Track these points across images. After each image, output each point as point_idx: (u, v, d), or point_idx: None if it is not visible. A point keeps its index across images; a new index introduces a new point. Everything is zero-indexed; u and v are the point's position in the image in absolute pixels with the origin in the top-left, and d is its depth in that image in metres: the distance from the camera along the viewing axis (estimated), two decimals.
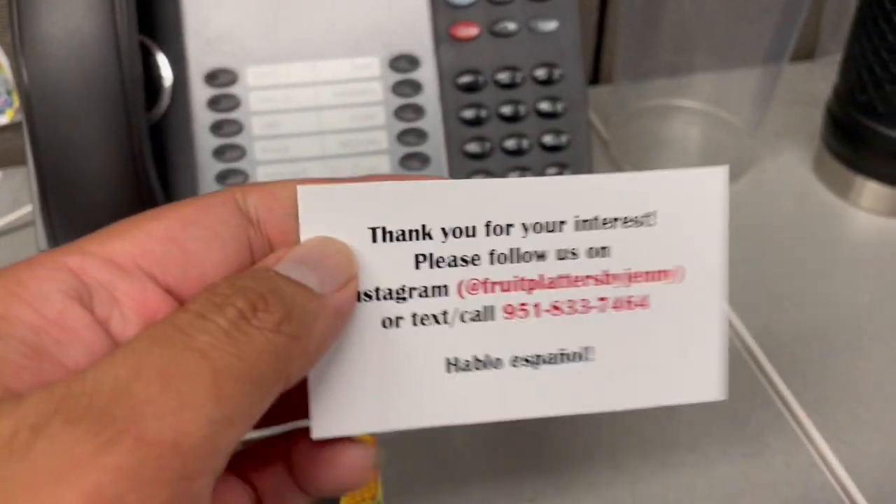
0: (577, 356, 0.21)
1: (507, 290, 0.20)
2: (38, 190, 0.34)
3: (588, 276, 0.20)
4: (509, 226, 0.20)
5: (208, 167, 0.37)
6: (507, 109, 0.39)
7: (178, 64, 0.37)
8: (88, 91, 0.32)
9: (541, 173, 0.39)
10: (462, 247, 0.20)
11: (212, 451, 0.15)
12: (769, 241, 0.44)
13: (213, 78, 0.37)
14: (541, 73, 0.39)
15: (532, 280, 0.20)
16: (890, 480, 0.32)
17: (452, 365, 0.20)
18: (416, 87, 0.38)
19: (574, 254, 0.20)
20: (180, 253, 0.18)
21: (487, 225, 0.20)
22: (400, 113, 0.38)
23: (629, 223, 0.20)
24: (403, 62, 0.38)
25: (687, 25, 0.46)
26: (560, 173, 0.39)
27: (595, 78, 0.59)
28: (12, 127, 0.53)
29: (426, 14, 0.38)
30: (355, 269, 0.19)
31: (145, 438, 0.14)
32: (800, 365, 0.37)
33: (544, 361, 0.21)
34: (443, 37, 0.39)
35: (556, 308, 0.20)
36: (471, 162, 0.39)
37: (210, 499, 0.15)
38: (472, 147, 0.39)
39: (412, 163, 0.38)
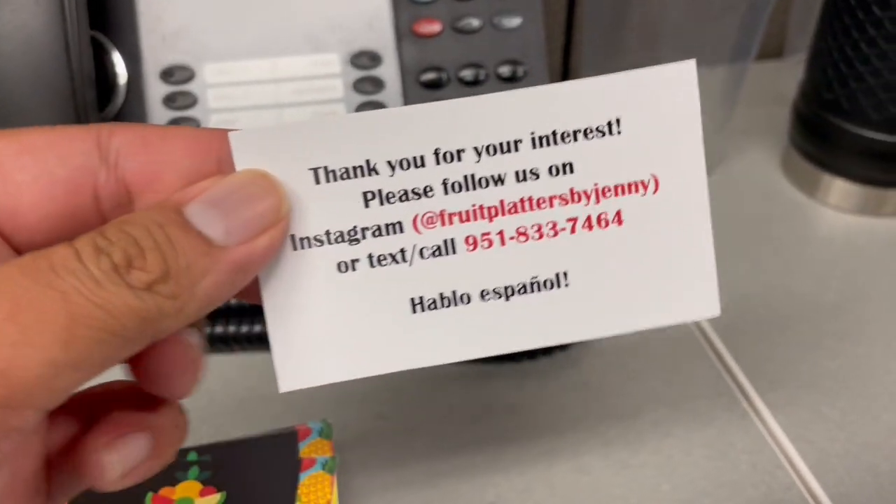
0: (551, 283, 0.19)
1: (467, 221, 0.19)
2: None
3: (553, 196, 0.19)
4: (460, 151, 0.19)
5: None
6: None
7: (134, 61, 0.36)
8: (37, 88, 0.31)
9: None
10: (412, 179, 0.19)
11: (45, 390, 0.14)
12: (737, 238, 0.44)
13: (169, 75, 0.36)
14: (505, 70, 0.39)
15: (492, 207, 0.19)
16: (854, 479, 0.32)
17: (417, 304, 0.19)
18: (377, 84, 0.38)
19: (535, 174, 0.19)
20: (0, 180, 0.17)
21: (436, 152, 0.19)
22: (362, 110, 0.38)
23: (591, 134, 0.19)
24: (364, 59, 0.38)
25: (653, 23, 0.46)
26: None
27: (564, 75, 0.59)
28: None
29: (387, 10, 0.38)
30: (283, 215, 0.18)
31: None
32: (765, 364, 0.36)
33: (516, 292, 0.19)
34: (405, 33, 0.38)
35: (521, 234, 0.19)
36: None
37: (34, 430, 0.15)
38: None
39: None
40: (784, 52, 0.58)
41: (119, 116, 0.36)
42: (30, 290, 0.14)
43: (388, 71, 0.38)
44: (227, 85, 0.37)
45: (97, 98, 0.34)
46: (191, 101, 0.37)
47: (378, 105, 0.38)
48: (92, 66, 0.33)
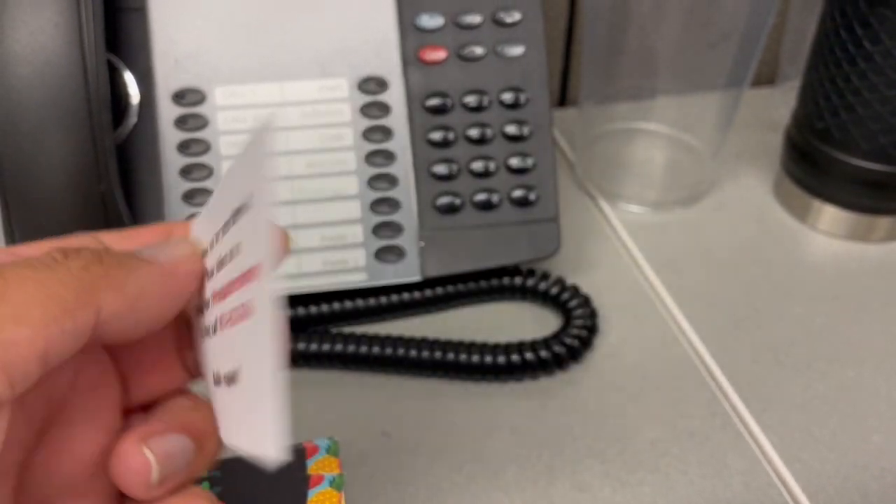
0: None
1: None
2: (1, 210, 0.33)
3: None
4: None
5: (175, 186, 0.37)
6: (474, 132, 0.39)
7: (146, 83, 0.37)
8: (54, 110, 0.32)
9: (507, 195, 0.40)
10: None
11: None
12: (729, 262, 0.45)
13: (180, 97, 0.37)
14: (507, 96, 0.40)
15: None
16: (844, 500, 0.33)
17: None
18: (384, 108, 0.39)
19: None
20: None
21: None
22: (368, 134, 0.39)
23: None
24: (372, 84, 0.39)
25: (650, 50, 0.47)
26: (525, 195, 0.40)
27: (562, 100, 0.60)
28: None
29: (395, 37, 0.39)
30: (198, 254, 0.21)
31: None
32: (758, 385, 0.37)
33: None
34: (411, 60, 0.39)
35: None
36: (438, 183, 0.39)
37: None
38: (440, 169, 0.39)
39: (379, 184, 0.38)
40: (776, 79, 0.59)
41: (131, 136, 0.37)
42: None
43: (395, 96, 0.39)
44: (236, 108, 0.38)
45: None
46: (201, 122, 0.37)
47: (385, 129, 0.39)
48: (108, 88, 0.34)
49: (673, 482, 0.33)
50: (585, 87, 0.50)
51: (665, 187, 0.50)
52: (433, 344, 0.37)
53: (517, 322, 0.41)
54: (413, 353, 0.37)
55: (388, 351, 0.37)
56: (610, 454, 0.34)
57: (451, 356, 0.37)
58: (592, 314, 0.39)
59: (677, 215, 0.48)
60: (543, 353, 0.37)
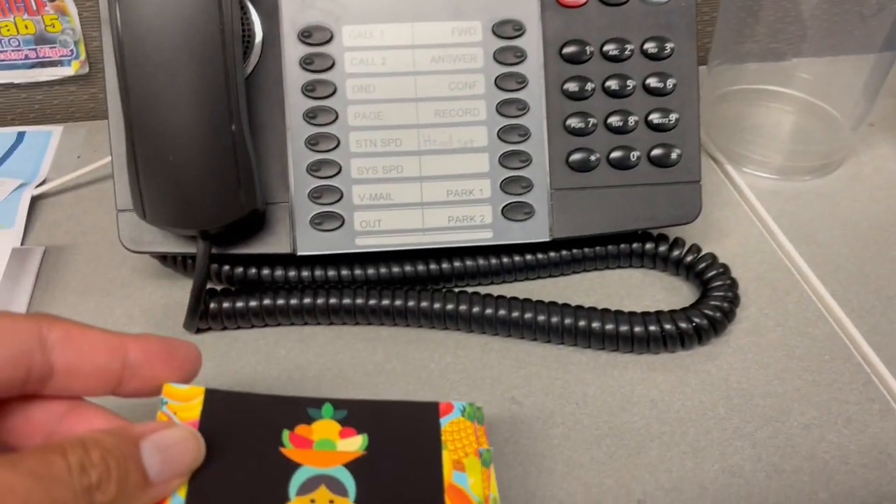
0: None
1: None
2: (125, 143, 0.32)
3: None
4: None
5: (299, 130, 0.35)
6: (613, 84, 0.37)
7: (271, 20, 0.35)
8: (186, 41, 0.30)
9: (646, 153, 0.37)
10: None
11: None
12: (871, 235, 0.41)
13: (307, 35, 0.35)
14: (651, 46, 0.37)
15: None
16: None
17: None
18: (519, 54, 0.36)
19: None
20: None
21: None
22: (501, 82, 0.36)
23: None
24: (507, 28, 0.36)
25: (792, 13, 0.44)
26: (666, 154, 0.37)
27: None
28: (75, 79, 0.51)
29: None
30: (195, 465, 0.24)
31: None
32: None
33: None
34: (549, 3, 0.36)
35: None
36: (572, 138, 0.37)
37: None
38: (575, 122, 0.36)
39: (510, 136, 0.36)
40: None
41: (253, 76, 0.35)
42: (34, 494, 0.19)
43: (531, 42, 0.36)
44: (364, 49, 0.35)
45: None
46: (328, 63, 0.35)
47: (519, 77, 0.36)
48: (240, 23, 0.32)
49: (832, 471, 0.30)
50: (717, 44, 0.47)
51: (794, 154, 0.46)
52: (564, 309, 0.35)
53: (646, 290, 0.38)
54: (542, 317, 0.35)
55: (516, 314, 0.35)
56: (760, 437, 0.31)
57: (584, 323, 0.34)
58: (733, 284, 0.36)
59: (810, 184, 0.45)
60: (683, 325, 0.34)
